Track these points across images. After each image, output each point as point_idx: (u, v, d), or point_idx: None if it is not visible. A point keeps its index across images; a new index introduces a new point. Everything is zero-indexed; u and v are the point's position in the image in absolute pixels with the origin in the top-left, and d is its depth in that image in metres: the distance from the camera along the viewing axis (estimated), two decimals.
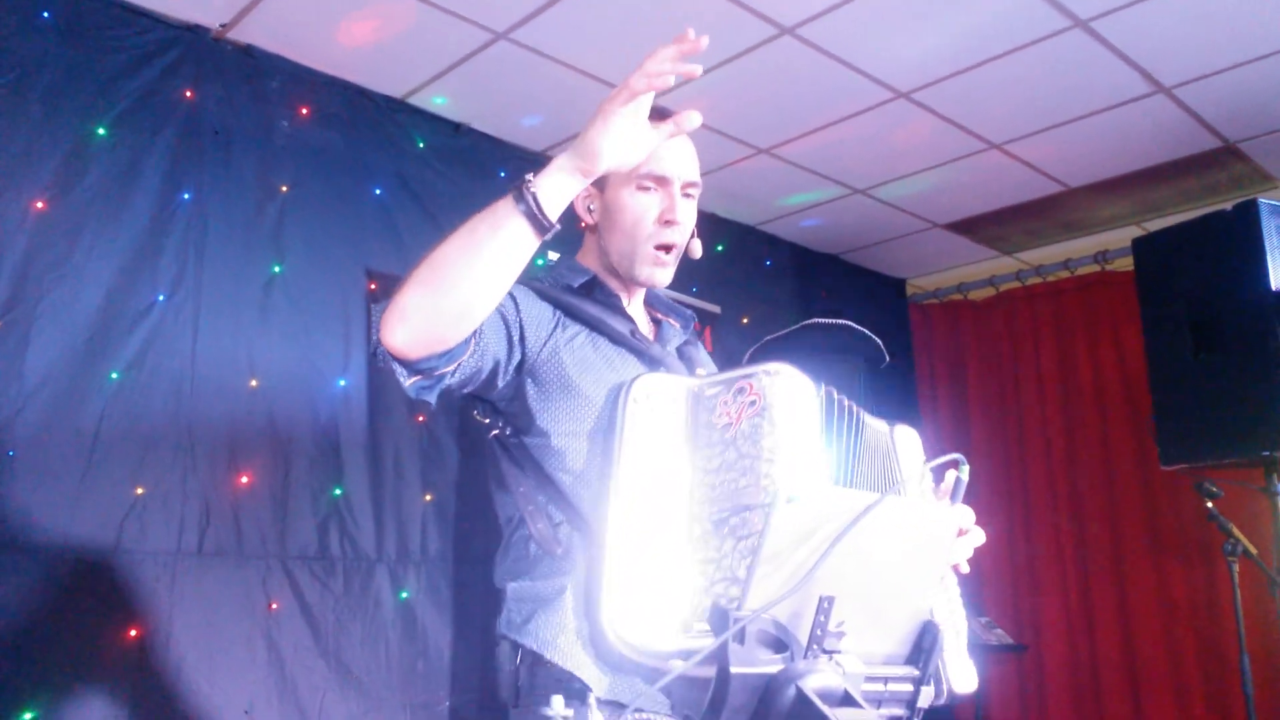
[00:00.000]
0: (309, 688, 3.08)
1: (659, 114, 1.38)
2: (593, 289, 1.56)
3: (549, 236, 1.27)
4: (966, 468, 1.13)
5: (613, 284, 1.59)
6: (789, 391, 1.23)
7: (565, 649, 1.33)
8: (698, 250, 1.59)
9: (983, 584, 5.01)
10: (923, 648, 1.07)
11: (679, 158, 1.55)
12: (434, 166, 3.79)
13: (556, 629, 1.35)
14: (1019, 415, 5.15)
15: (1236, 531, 3.12)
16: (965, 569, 1.39)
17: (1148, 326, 3.51)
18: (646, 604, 1.18)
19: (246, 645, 3.00)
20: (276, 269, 3.31)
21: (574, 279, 1.56)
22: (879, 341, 4.09)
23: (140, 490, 2.90)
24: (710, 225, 4.68)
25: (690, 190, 1.57)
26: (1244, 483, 3.27)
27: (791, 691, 0.94)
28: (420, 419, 3.56)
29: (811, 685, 0.94)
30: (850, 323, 4.06)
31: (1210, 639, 4.40)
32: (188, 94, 3.20)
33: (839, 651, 1.00)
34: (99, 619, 2.78)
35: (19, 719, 2.60)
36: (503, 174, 3.99)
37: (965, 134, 3.91)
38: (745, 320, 4.74)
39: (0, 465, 2.70)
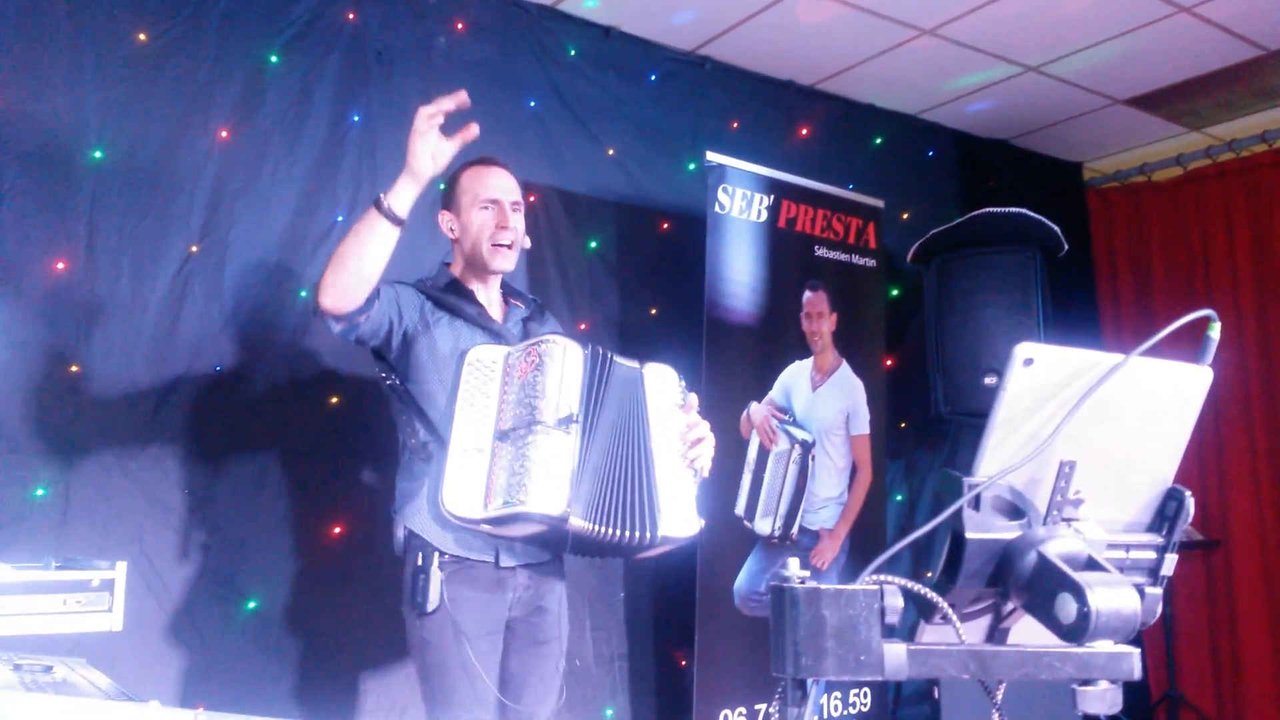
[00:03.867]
0: None
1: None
2: (454, 287, 2.29)
3: (403, 227, 1.99)
4: (1218, 325, 1.06)
5: (471, 282, 2.31)
6: (557, 354, 1.97)
7: (420, 523, 2.10)
8: (527, 243, 2.34)
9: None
10: (1166, 515, 1.03)
11: (503, 186, 2.32)
12: (585, 74, 3.78)
13: (414, 510, 2.12)
14: (1209, 302, 4.77)
15: None
16: (705, 474, 2.14)
17: None
18: (463, 491, 1.91)
19: None
20: (442, 186, 3.36)
21: (441, 281, 2.31)
22: (1055, 229, 3.88)
23: (335, 400, 3.07)
24: (867, 117, 4.51)
25: (516, 206, 2.32)
26: None
27: (1032, 556, 0.92)
28: (583, 326, 3.62)
29: (1053, 550, 0.91)
30: (1024, 210, 3.86)
31: None
32: (350, 16, 3.27)
33: (1078, 519, 0.97)
34: (308, 517, 3.00)
35: (243, 608, 2.85)
36: (653, 77, 3.94)
37: None
38: (906, 216, 4.57)
39: (210, 380, 2.90)
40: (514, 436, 1.90)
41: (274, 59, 3.13)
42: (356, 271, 1.96)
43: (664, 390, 2.14)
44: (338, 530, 3.02)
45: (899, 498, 4.44)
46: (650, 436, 2.05)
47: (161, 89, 2.92)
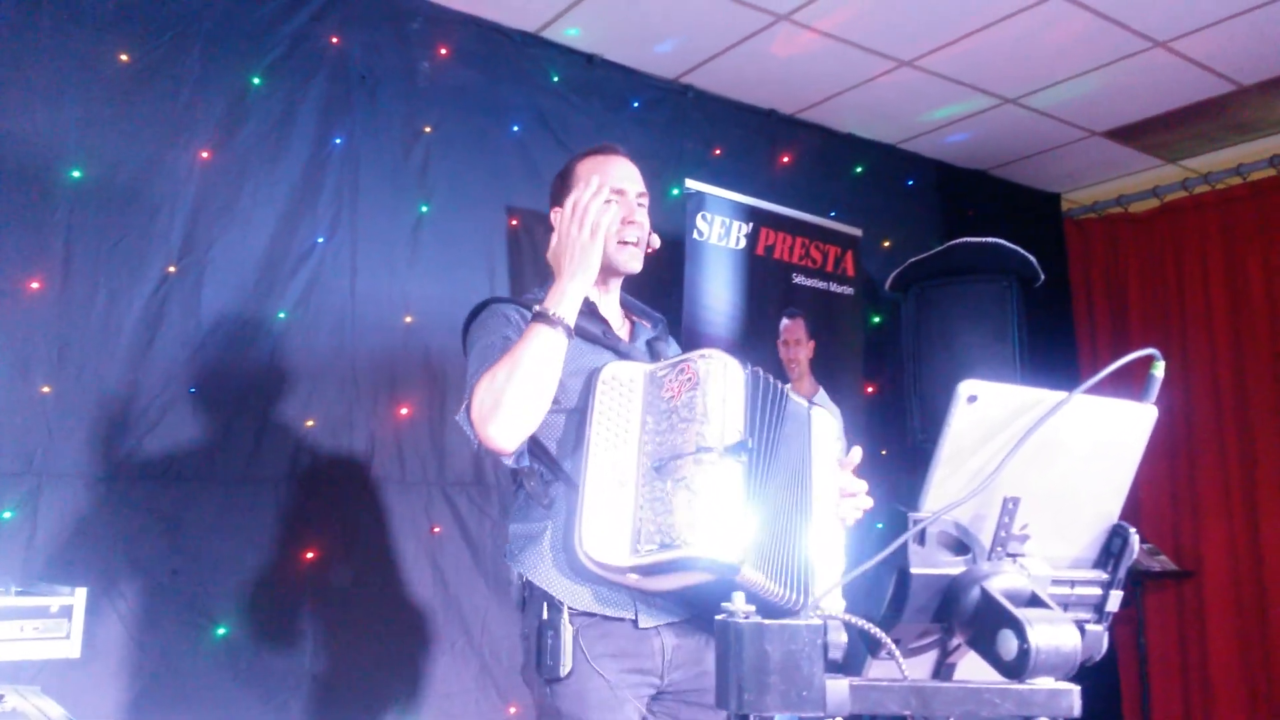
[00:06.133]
0: (472, 608, 3.23)
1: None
2: None
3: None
4: (1161, 364, 1.07)
5: (590, 293, 1.89)
6: (718, 371, 1.64)
7: (543, 573, 1.72)
8: (656, 242, 1.96)
9: (1141, 509, 4.79)
10: (1111, 551, 1.04)
11: (629, 175, 1.96)
12: (569, 100, 3.80)
13: (537, 559, 1.74)
14: (1183, 333, 4.86)
15: None
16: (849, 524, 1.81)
17: None
18: (607, 532, 1.57)
19: (413, 567, 3.16)
20: (424, 208, 3.40)
21: None
22: (1031, 259, 3.92)
23: (310, 423, 3.07)
24: (848, 146, 4.55)
25: (641, 200, 1.96)
26: None
27: (976, 592, 0.93)
28: None
29: (997, 586, 0.92)
30: (1001, 240, 3.90)
31: None
32: (334, 40, 3.29)
33: (1023, 555, 0.98)
34: (279, 543, 2.98)
35: (213, 634, 2.82)
36: (636, 104, 3.98)
37: (1126, 32, 3.65)
38: (887, 244, 4.61)
39: (182, 401, 2.89)
40: (671, 467, 1.58)
41: (257, 81, 3.14)
42: (546, 398, 1.70)
43: (827, 437, 1.83)
44: (310, 555, 3.00)
45: (879, 525, 4.44)
46: (813, 485, 1.72)
47: (143, 109, 2.93)
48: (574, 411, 1.76)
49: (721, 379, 1.63)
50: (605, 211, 1.76)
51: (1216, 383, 4.71)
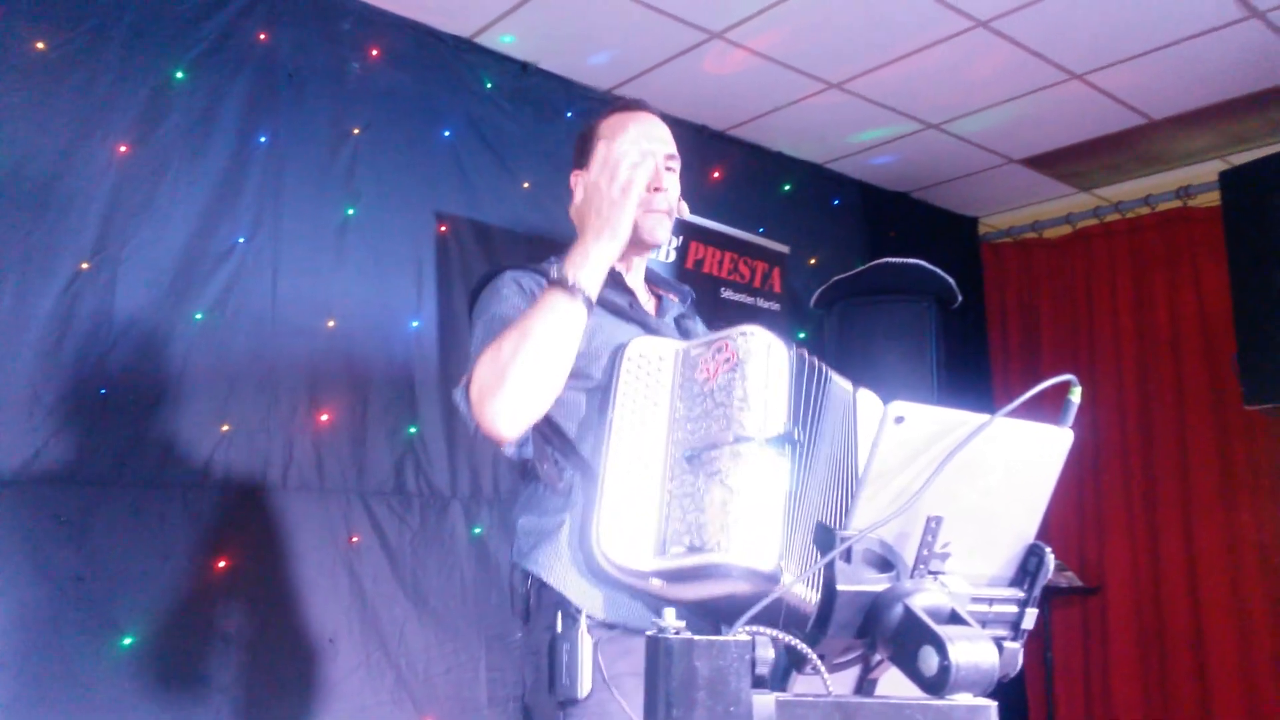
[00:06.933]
0: (390, 619, 3.17)
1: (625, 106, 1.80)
2: None
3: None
4: (1078, 389, 1.11)
5: (615, 263, 1.75)
6: (760, 351, 1.46)
7: (560, 574, 1.54)
8: (685, 211, 1.81)
9: (1050, 526, 4.95)
10: (1028, 570, 1.07)
11: (657, 135, 1.79)
12: (502, 107, 3.79)
13: (553, 557, 1.55)
14: (1091, 356, 5.05)
15: None
16: None
17: (1234, 262, 3.40)
18: (629, 530, 1.40)
19: (330, 576, 3.09)
20: (350, 211, 3.35)
21: None
22: (950, 280, 4.02)
23: (226, 427, 2.99)
24: (777, 164, 4.62)
25: (670, 163, 1.79)
26: None
27: (899, 609, 0.95)
28: None
29: (919, 603, 0.94)
30: (921, 262, 4.00)
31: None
32: (261, 36, 3.23)
33: (944, 572, 1.01)
34: (190, 550, 2.89)
35: (119, 644, 2.72)
36: (569, 115, 3.97)
37: (1045, 64, 3.78)
38: (813, 261, 4.69)
39: (93, 403, 2.79)
40: (704, 458, 1.40)
41: (180, 75, 3.06)
42: (558, 377, 1.52)
43: (872, 421, 1.64)
44: (223, 564, 2.92)
45: None
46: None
47: (58, 100, 2.82)
48: (595, 390, 1.60)
49: (764, 360, 1.45)
50: (641, 167, 1.56)
51: (1121, 404, 4.89)
